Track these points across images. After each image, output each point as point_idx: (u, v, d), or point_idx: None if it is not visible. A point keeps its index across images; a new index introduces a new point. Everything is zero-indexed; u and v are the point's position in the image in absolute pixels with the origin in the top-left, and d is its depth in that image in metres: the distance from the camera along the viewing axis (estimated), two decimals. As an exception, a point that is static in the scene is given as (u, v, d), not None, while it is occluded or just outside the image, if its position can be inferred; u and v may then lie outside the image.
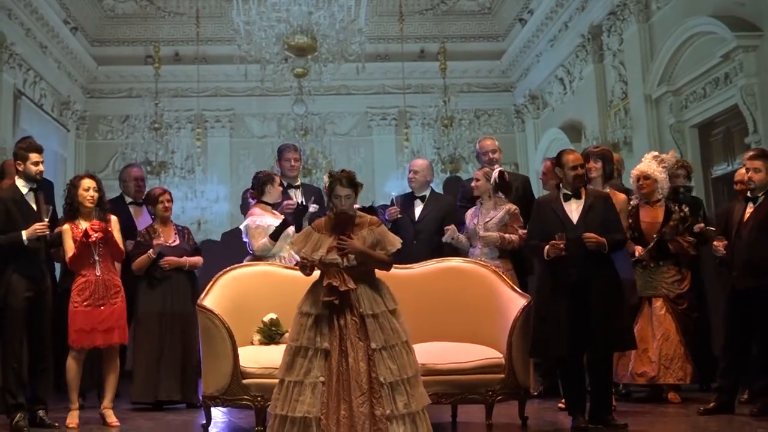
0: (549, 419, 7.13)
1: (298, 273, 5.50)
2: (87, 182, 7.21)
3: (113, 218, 7.35)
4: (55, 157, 16.16)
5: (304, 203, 8.45)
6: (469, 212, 8.11)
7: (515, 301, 6.65)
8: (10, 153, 9.55)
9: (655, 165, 8.07)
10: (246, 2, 13.25)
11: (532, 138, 18.87)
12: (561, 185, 6.66)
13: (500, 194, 7.95)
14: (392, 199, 9.01)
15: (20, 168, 7.11)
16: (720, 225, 7.48)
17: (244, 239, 7.96)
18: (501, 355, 6.49)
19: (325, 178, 5.54)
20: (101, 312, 7.04)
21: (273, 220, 7.88)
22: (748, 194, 7.19)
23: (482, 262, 7.35)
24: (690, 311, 8.00)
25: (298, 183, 9.15)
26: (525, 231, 7.52)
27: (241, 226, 8.08)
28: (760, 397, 6.98)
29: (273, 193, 8.07)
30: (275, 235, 7.75)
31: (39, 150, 7.18)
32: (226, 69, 17.28)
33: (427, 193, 8.89)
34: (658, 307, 7.95)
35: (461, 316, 6.84)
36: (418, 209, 8.75)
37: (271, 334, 6.75)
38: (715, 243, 7.27)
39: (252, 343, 6.74)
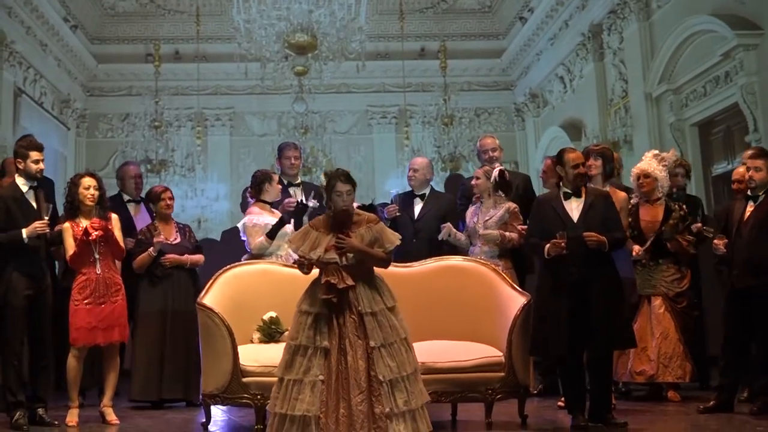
0: (549, 418, 7.13)
1: (298, 271, 5.49)
2: (87, 181, 7.21)
3: (114, 216, 7.35)
4: (55, 155, 16.16)
5: (303, 202, 8.45)
6: (470, 211, 8.11)
7: (515, 300, 6.66)
8: (10, 151, 9.53)
9: (656, 163, 8.07)
10: (246, 0, 13.25)
11: (533, 136, 18.88)
12: (561, 184, 6.66)
13: (500, 193, 7.94)
14: (392, 197, 9.00)
15: (20, 166, 7.11)
16: (719, 223, 7.47)
17: (242, 237, 7.97)
18: (501, 354, 6.50)
19: (323, 178, 5.52)
20: (102, 310, 7.04)
21: (271, 218, 7.88)
22: (749, 193, 7.19)
23: (482, 261, 7.35)
24: (690, 309, 8.00)
25: (299, 181, 9.13)
26: (525, 228, 7.51)
27: (239, 225, 8.09)
28: (760, 396, 6.98)
29: (271, 192, 8.07)
30: (272, 234, 7.75)
31: (39, 148, 7.18)
32: (227, 67, 17.33)
33: (426, 191, 8.88)
34: (657, 306, 7.94)
35: (461, 315, 6.84)
36: (418, 207, 8.74)
37: (270, 333, 6.76)
38: (715, 241, 7.27)
39: (252, 342, 6.75)
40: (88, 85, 19.03)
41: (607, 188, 7.48)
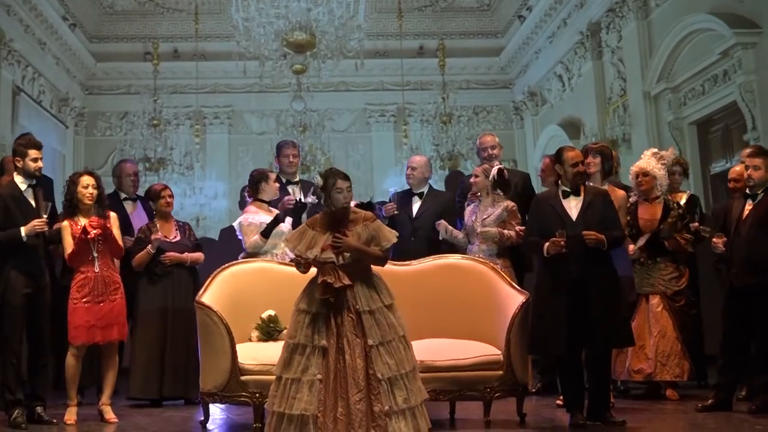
0: (547, 416, 7.13)
1: (296, 270, 5.50)
2: (86, 179, 7.21)
3: (112, 215, 7.36)
4: (53, 153, 16.16)
5: (302, 200, 8.45)
6: (468, 209, 8.11)
7: (514, 298, 6.66)
8: (8, 149, 9.54)
9: (655, 162, 8.06)
10: (245, -1, 13.27)
11: (531, 135, 18.88)
12: (560, 182, 6.66)
13: (499, 191, 7.94)
14: (390, 195, 9.00)
15: (19, 164, 7.10)
16: (718, 222, 7.47)
17: (239, 236, 7.98)
18: (499, 352, 6.50)
19: (318, 178, 5.51)
20: (101, 308, 7.04)
21: (267, 217, 7.89)
22: (747, 191, 7.19)
23: (481, 259, 7.36)
24: (688, 308, 8.00)
25: (297, 179, 9.14)
26: (522, 228, 7.51)
27: (235, 224, 8.09)
28: (759, 394, 6.97)
29: (268, 191, 8.07)
30: (266, 233, 7.75)
31: (38, 146, 7.17)
32: (225, 65, 17.34)
33: (425, 189, 8.88)
34: (655, 304, 7.94)
35: (459, 313, 6.84)
36: (416, 206, 8.75)
37: (269, 331, 6.76)
38: (714, 240, 7.28)
39: (250, 340, 6.74)
40: (87, 84, 19.02)
41: (606, 186, 7.49)
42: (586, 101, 15.81)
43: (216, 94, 19.04)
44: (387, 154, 18.93)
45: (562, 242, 6.28)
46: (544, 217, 6.58)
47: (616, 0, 14.29)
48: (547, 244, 6.36)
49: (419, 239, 8.48)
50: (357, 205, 5.79)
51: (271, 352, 6.00)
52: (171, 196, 8.45)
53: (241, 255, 7.88)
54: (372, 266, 5.45)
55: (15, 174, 7.16)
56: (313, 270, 5.39)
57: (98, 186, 7.25)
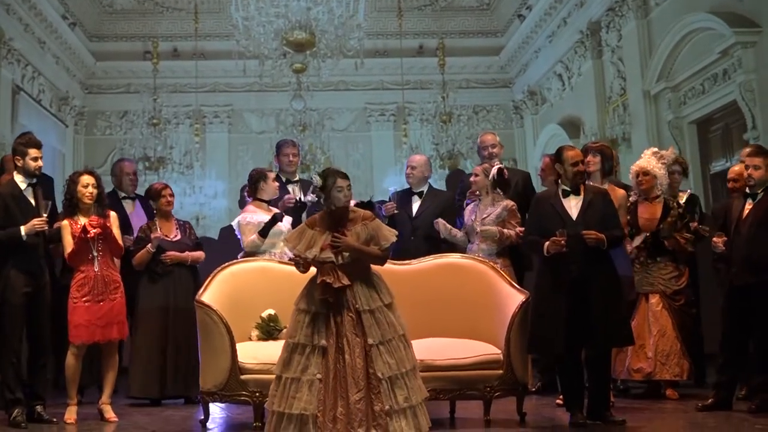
0: (547, 415, 7.13)
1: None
2: (86, 179, 7.21)
3: (112, 214, 7.36)
4: (53, 152, 16.15)
5: (301, 200, 8.45)
6: (468, 208, 8.11)
7: (513, 297, 6.67)
8: (8, 149, 9.53)
9: (655, 161, 8.06)
10: (244, -2, 13.27)
11: (531, 134, 18.87)
12: (560, 181, 6.66)
13: (498, 191, 7.94)
14: (390, 194, 9.00)
15: (19, 163, 7.11)
16: (718, 221, 7.48)
17: (238, 235, 7.98)
18: (499, 351, 6.51)
19: (317, 179, 5.49)
20: (100, 307, 7.04)
21: (265, 216, 7.89)
22: (747, 191, 7.19)
23: (481, 258, 7.36)
24: (687, 307, 7.99)
25: (297, 178, 9.14)
26: (522, 229, 7.51)
27: (233, 223, 8.10)
28: (759, 394, 6.97)
29: (267, 190, 8.06)
30: (264, 232, 7.75)
31: (38, 145, 7.17)
32: (225, 64, 17.31)
33: (425, 189, 8.89)
34: (655, 303, 7.94)
35: (459, 312, 6.84)
36: (416, 205, 8.75)
37: (269, 330, 6.76)
38: (714, 239, 7.28)
39: (250, 339, 6.75)
40: (87, 83, 19.00)
41: (606, 186, 7.49)
42: (586, 100, 15.81)
43: (216, 93, 19.03)
44: (387, 154, 18.91)
45: (562, 241, 6.28)
46: (544, 217, 6.58)
47: (615, -1, 14.32)
48: (547, 243, 6.37)
49: (419, 238, 8.48)
50: (357, 204, 5.79)
51: (271, 351, 6.00)
52: (171, 195, 8.45)
53: (240, 254, 7.89)
54: (371, 265, 5.45)
55: (15, 173, 7.16)
56: (313, 269, 5.39)
57: (98, 185, 7.25)
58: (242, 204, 8.62)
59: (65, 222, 7.12)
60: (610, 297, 6.35)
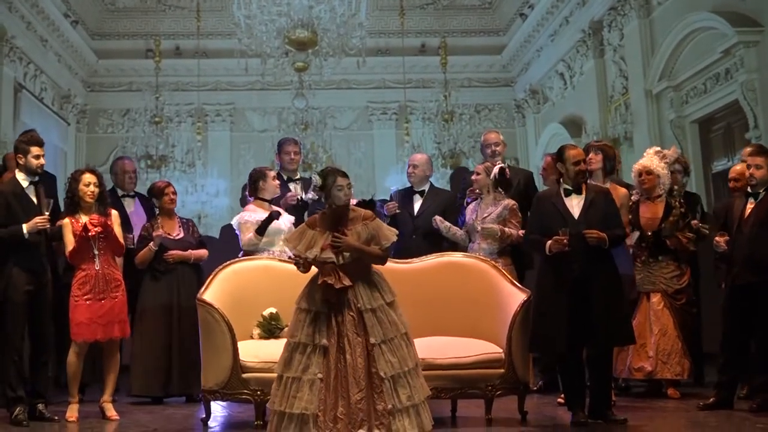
0: (548, 414, 7.13)
1: (298, 267, 5.50)
2: (88, 177, 7.20)
3: (113, 213, 7.36)
4: (55, 150, 16.17)
5: (302, 198, 8.45)
6: (469, 207, 8.10)
7: (515, 296, 6.67)
8: (10, 146, 9.54)
9: (657, 160, 8.06)
10: (246, -4, 13.27)
11: (533, 133, 18.87)
12: (562, 180, 6.66)
13: (500, 190, 7.93)
14: (391, 193, 9.00)
15: (21, 161, 7.11)
16: (719, 221, 7.48)
17: (237, 234, 7.98)
18: (501, 350, 6.51)
19: (317, 178, 5.49)
20: (102, 306, 7.04)
21: (264, 215, 7.86)
22: (749, 190, 7.19)
23: (482, 257, 7.36)
24: (689, 306, 7.99)
25: (298, 177, 9.13)
26: (523, 232, 7.51)
27: (233, 221, 8.10)
28: (760, 393, 6.98)
29: (268, 189, 8.03)
30: (261, 230, 7.73)
31: (40, 143, 7.18)
32: (227, 63, 17.30)
33: (426, 187, 8.88)
34: (656, 302, 7.94)
35: (461, 311, 6.85)
36: (417, 204, 8.75)
37: (270, 328, 6.77)
38: (716, 238, 7.28)
39: (252, 337, 6.76)
40: (89, 81, 19.02)
41: (608, 184, 7.49)
42: (588, 99, 15.81)
43: (218, 91, 19.04)
44: (389, 152, 18.93)
45: (565, 240, 6.28)
46: (546, 215, 6.58)
47: (617, -2, 14.32)
48: (549, 242, 6.37)
49: (420, 237, 8.48)
50: (358, 203, 5.77)
51: (273, 349, 6.01)
52: (174, 193, 8.46)
53: (242, 253, 7.89)
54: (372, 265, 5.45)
55: (17, 171, 7.17)
56: (314, 269, 5.39)
57: (100, 184, 7.25)
58: (243, 202, 8.61)
59: (66, 220, 7.12)
60: (611, 296, 6.35)
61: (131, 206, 9.11)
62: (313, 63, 14.19)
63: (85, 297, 7.02)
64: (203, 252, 8.43)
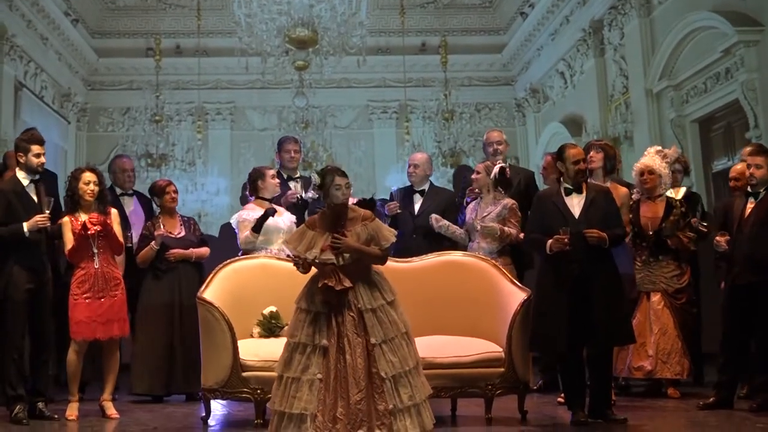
0: (548, 413, 7.13)
1: (298, 266, 5.50)
2: (88, 176, 7.20)
3: (113, 211, 7.36)
4: (55, 149, 16.16)
5: (302, 197, 8.45)
6: (470, 206, 8.10)
7: (515, 295, 6.67)
8: (11, 145, 9.54)
9: (659, 160, 8.05)
10: (247, -5, 13.28)
11: (533, 132, 18.87)
12: (562, 179, 6.66)
13: (500, 189, 7.93)
14: (391, 193, 9.00)
15: (21, 160, 7.12)
16: (718, 219, 7.49)
17: (237, 233, 7.97)
18: (501, 349, 6.51)
19: (316, 177, 5.49)
20: (101, 304, 7.04)
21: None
22: (749, 189, 7.19)
23: (482, 256, 7.35)
24: (689, 306, 7.99)
25: (298, 175, 9.13)
26: (523, 234, 7.51)
27: (232, 220, 8.09)
28: (760, 393, 6.98)
29: (267, 188, 8.01)
30: (257, 228, 7.71)
31: (40, 142, 7.18)
32: (227, 61, 17.30)
33: (426, 187, 8.88)
34: (656, 302, 7.94)
35: (461, 310, 6.85)
36: (418, 203, 8.74)
37: (270, 327, 6.77)
38: (717, 238, 7.28)
39: (252, 336, 6.76)
40: (89, 79, 19.01)
41: (608, 184, 7.49)
42: (588, 98, 15.80)
43: (218, 90, 19.05)
44: (389, 151, 18.93)
45: (565, 239, 6.28)
46: (547, 215, 6.59)
47: (618, -3, 14.33)
48: (550, 241, 6.37)
49: (421, 237, 8.47)
50: (358, 202, 5.76)
51: (273, 348, 6.01)
52: (176, 191, 8.47)
53: (241, 252, 7.88)
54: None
55: (17, 169, 7.17)
56: (314, 269, 5.38)
57: (100, 182, 7.25)
58: (244, 201, 8.61)
59: (66, 219, 7.12)
60: (611, 295, 6.35)
61: (130, 205, 9.09)
62: (313, 62, 14.20)
63: (85, 295, 7.02)
64: (205, 250, 8.43)
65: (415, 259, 7.23)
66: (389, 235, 5.42)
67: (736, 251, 7.07)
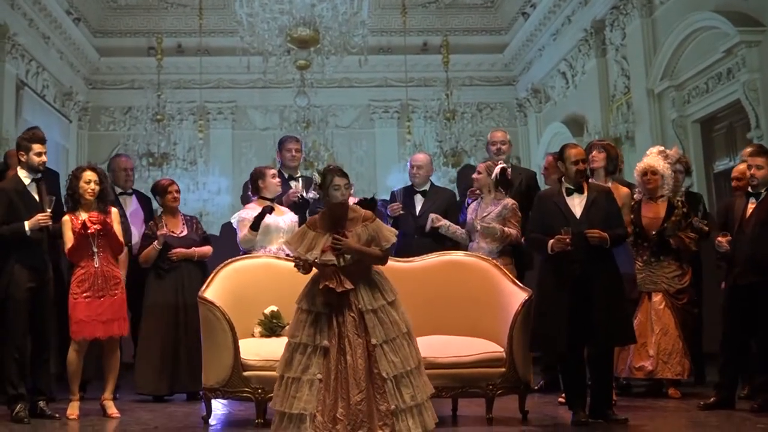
0: (549, 413, 7.13)
1: (299, 266, 5.49)
2: (88, 175, 7.19)
3: (114, 210, 7.35)
4: (57, 148, 16.16)
5: (303, 196, 8.45)
6: (471, 206, 8.10)
7: (516, 295, 6.67)
8: (12, 143, 9.53)
9: (662, 160, 8.05)
10: (248, -6, 13.29)
11: (534, 132, 18.86)
12: (563, 179, 6.66)
13: (500, 189, 7.93)
14: (392, 193, 8.99)
15: (23, 159, 7.12)
16: (719, 219, 7.49)
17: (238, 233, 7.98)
18: (502, 349, 6.51)
19: (316, 176, 5.49)
20: (101, 303, 7.03)
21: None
22: (750, 189, 7.19)
23: (483, 256, 7.35)
24: (690, 306, 7.99)
25: (299, 174, 9.13)
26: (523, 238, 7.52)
27: (232, 220, 8.09)
28: (761, 393, 6.98)
29: (269, 187, 8.00)
30: (255, 226, 7.69)
31: (42, 140, 7.19)
32: (229, 61, 17.28)
33: (427, 187, 8.88)
34: (658, 302, 7.94)
35: (462, 310, 6.85)
36: (419, 204, 8.74)
37: (272, 327, 6.77)
38: (719, 238, 7.28)
39: (253, 336, 6.76)
40: (91, 78, 19.02)
41: (610, 184, 7.49)
42: (590, 99, 15.80)
43: (219, 89, 19.05)
44: (390, 151, 18.93)
45: (567, 239, 6.28)
46: (548, 215, 6.59)
47: (620, -3, 14.32)
48: (552, 241, 6.37)
49: (423, 237, 8.47)
50: (359, 202, 5.76)
51: (274, 347, 6.02)
52: (178, 191, 8.47)
53: (242, 251, 7.88)
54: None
55: (19, 168, 7.18)
56: (315, 269, 5.38)
57: (101, 181, 7.24)
58: (245, 200, 8.60)
59: (66, 217, 7.12)
60: (612, 295, 6.35)
61: (129, 204, 9.07)
62: (315, 61, 14.21)
63: (84, 294, 7.02)
64: (207, 249, 8.42)
65: (416, 258, 7.24)
66: (390, 235, 5.41)
67: (737, 251, 7.07)
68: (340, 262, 5.24)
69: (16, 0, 14.77)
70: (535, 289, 6.64)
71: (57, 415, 6.97)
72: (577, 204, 6.54)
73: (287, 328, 6.19)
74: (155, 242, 8.11)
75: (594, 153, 7.69)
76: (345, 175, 5.42)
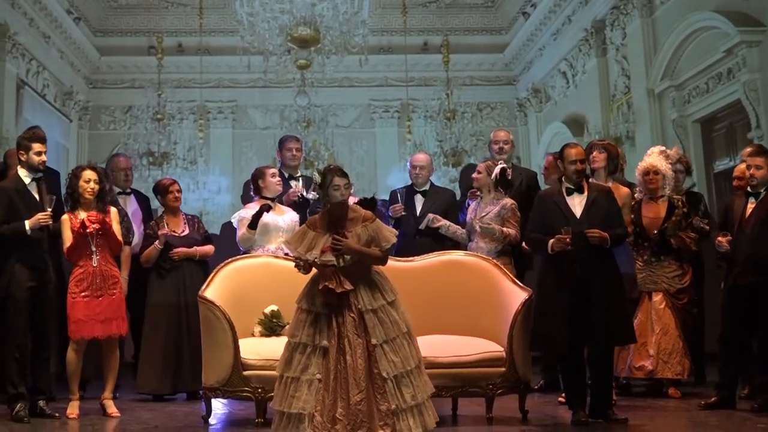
0: (549, 413, 7.13)
1: (300, 265, 5.49)
2: (88, 174, 7.19)
3: (113, 210, 7.35)
4: (57, 147, 16.16)
5: (303, 195, 8.44)
6: (471, 206, 8.10)
7: (516, 295, 6.67)
8: (13, 143, 9.52)
9: (663, 160, 8.05)
10: (249, -7, 13.29)
11: (535, 132, 18.86)
12: (563, 179, 6.66)
13: (500, 189, 7.92)
14: (392, 192, 8.99)
15: (23, 158, 7.12)
16: (719, 219, 7.49)
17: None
18: (502, 349, 6.51)
19: (316, 176, 5.49)
20: (99, 303, 7.03)
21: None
22: (749, 189, 7.19)
23: (483, 256, 7.35)
24: (690, 306, 7.99)
25: (299, 174, 9.12)
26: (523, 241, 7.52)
27: (232, 219, 8.09)
28: (761, 393, 6.98)
29: (269, 187, 8.00)
30: (253, 224, 7.69)
31: (42, 140, 7.18)
32: (229, 60, 17.28)
33: (427, 187, 8.88)
34: (658, 302, 7.93)
35: (462, 310, 6.85)
36: (419, 204, 8.73)
37: (272, 326, 6.77)
38: (719, 238, 7.28)
39: (253, 335, 6.76)
40: (91, 78, 19.02)
41: (610, 183, 7.49)
42: (590, 98, 15.80)
43: (220, 88, 19.05)
44: (391, 150, 18.93)
45: (567, 239, 6.28)
46: (548, 214, 6.59)
47: (620, -3, 14.33)
48: (552, 240, 6.37)
49: (423, 236, 8.46)
50: (359, 201, 5.75)
51: (274, 347, 6.01)
52: (179, 190, 8.46)
53: (243, 251, 7.87)
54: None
55: (19, 167, 7.17)
56: (315, 269, 5.37)
57: (100, 181, 7.23)
58: (245, 200, 8.60)
59: (65, 216, 7.12)
60: (612, 295, 6.35)
61: (128, 204, 9.04)
62: (315, 60, 14.22)
63: (83, 294, 7.01)
64: (209, 248, 8.41)
65: (416, 258, 7.23)
66: (390, 235, 5.41)
67: (736, 251, 7.07)
68: (340, 263, 5.23)
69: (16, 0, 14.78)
70: (535, 288, 6.64)
71: (57, 415, 6.97)
72: (577, 204, 6.55)
73: (287, 327, 6.20)
74: (156, 242, 8.11)
75: (595, 153, 7.70)
76: (345, 175, 5.42)
